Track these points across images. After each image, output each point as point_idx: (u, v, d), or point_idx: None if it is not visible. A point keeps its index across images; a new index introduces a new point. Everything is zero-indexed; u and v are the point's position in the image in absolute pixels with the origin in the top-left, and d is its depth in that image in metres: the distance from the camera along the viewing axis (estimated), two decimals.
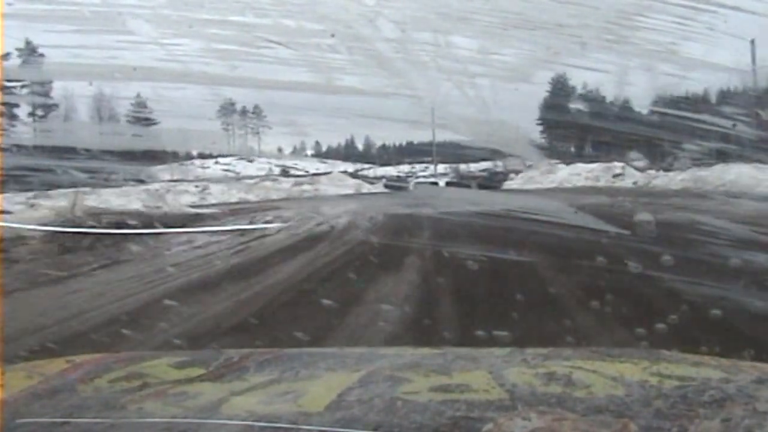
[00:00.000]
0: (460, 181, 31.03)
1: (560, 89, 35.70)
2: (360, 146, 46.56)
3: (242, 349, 1.28)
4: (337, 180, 30.69)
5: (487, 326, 3.78)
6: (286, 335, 4.07)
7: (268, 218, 14.60)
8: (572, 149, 39.53)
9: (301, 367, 1.10)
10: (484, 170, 34.37)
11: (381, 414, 0.84)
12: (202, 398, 0.96)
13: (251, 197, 25.23)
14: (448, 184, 30.14)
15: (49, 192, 16.33)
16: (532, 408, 0.83)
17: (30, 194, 16.13)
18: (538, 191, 24.84)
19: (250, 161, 38.56)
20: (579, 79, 36.18)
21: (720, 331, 3.82)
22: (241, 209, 18.73)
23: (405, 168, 39.19)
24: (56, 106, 31.71)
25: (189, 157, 37.35)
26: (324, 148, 45.14)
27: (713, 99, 31.80)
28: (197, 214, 16.24)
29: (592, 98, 34.23)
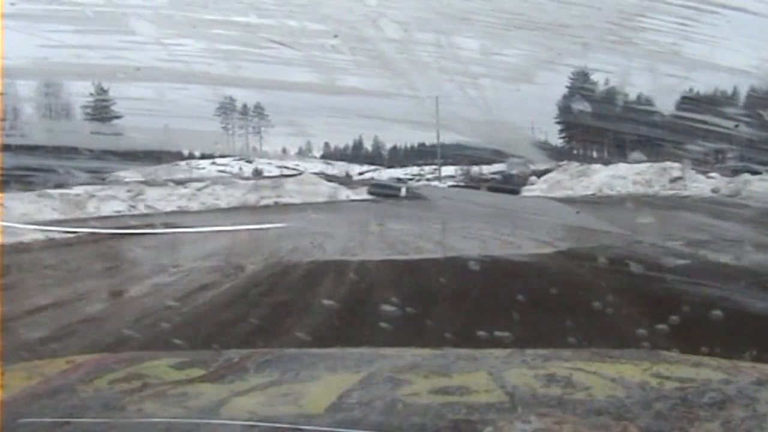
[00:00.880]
0: (468, 184, 27.34)
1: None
2: (369, 148, 44.41)
3: (242, 350, 1.28)
4: (307, 184, 25.35)
5: None
6: None
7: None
8: (607, 148, 33.29)
9: (301, 368, 1.10)
10: (497, 173, 29.42)
11: (381, 416, 0.84)
12: (203, 399, 0.96)
13: (193, 205, 22.03)
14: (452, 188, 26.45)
15: None
16: (532, 410, 0.83)
17: None
18: (571, 200, 18.79)
19: (249, 162, 37.12)
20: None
21: None
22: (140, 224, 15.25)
23: (414, 170, 35.38)
24: None
25: (182, 157, 34.99)
26: (332, 149, 43.16)
27: None
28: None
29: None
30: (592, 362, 1.09)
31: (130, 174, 24.35)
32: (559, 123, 35.12)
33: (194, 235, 12.47)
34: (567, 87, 30.35)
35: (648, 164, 22.37)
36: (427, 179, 31.93)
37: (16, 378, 1.16)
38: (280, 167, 33.15)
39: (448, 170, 33.54)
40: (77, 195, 20.03)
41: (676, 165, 21.27)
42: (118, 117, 28.84)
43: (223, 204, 22.22)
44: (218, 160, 36.21)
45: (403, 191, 24.88)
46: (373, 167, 39.25)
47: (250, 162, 36.23)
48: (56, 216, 17.23)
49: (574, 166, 25.44)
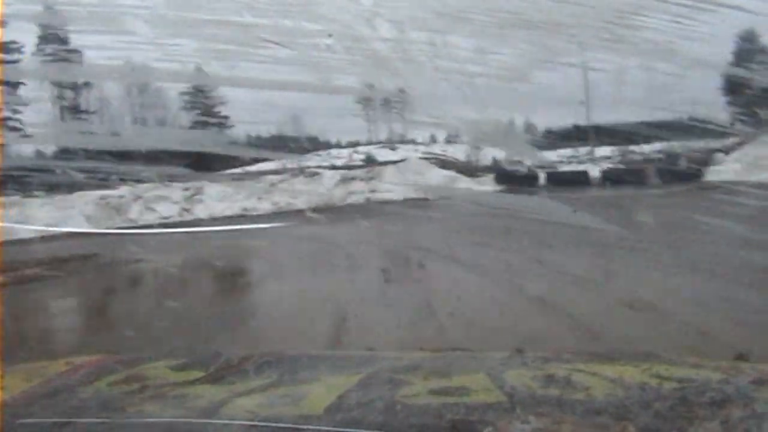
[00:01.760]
0: (628, 169, 20.31)
1: None
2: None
3: (242, 351, 1.28)
4: (412, 172, 19.61)
5: None
6: None
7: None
8: None
9: (300, 369, 1.10)
10: (660, 152, 22.22)
11: (380, 416, 0.84)
12: (202, 400, 0.96)
13: (263, 205, 18.31)
14: (605, 176, 19.99)
15: None
16: (531, 410, 0.84)
17: None
18: None
19: (393, 149, 30.80)
20: None
21: None
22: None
23: (567, 152, 26.40)
24: None
25: (328, 145, 31.93)
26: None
27: None
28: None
29: None
30: (591, 363, 1.09)
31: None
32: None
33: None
34: None
35: None
36: (579, 161, 24.74)
37: (16, 378, 1.16)
38: (425, 154, 26.11)
39: (602, 151, 26.26)
40: (121, 196, 18.44)
41: None
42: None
43: (300, 203, 18.32)
44: (361, 148, 31.58)
45: (542, 178, 20.01)
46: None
47: (393, 149, 30.40)
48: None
49: None
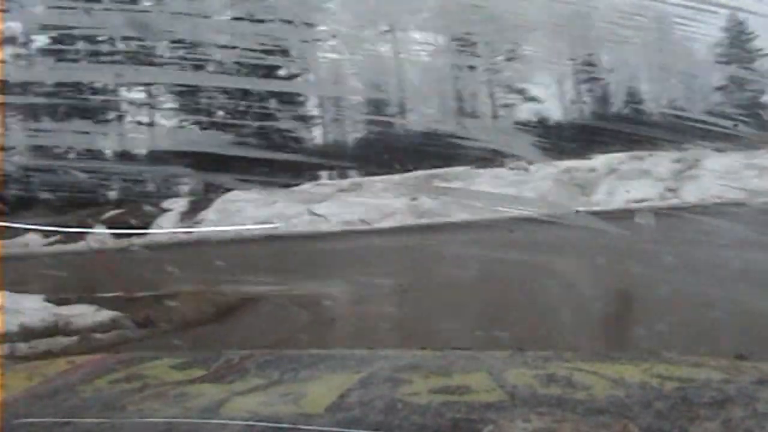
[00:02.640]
0: None
1: None
2: None
3: (243, 350, 1.28)
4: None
5: None
6: None
7: None
8: None
9: (301, 368, 1.10)
10: None
11: (381, 415, 0.84)
12: (203, 399, 0.96)
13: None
14: None
15: None
16: (533, 409, 0.84)
17: None
18: None
19: None
20: None
21: None
22: None
23: None
24: None
25: None
26: None
27: None
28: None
29: None
30: (592, 362, 1.09)
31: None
32: None
33: None
34: None
35: None
36: None
37: (17, 378, 1.16)
38: None
39: None
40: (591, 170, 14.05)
41: None
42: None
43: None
44: None
45: None
46: None
47: None
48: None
49: None
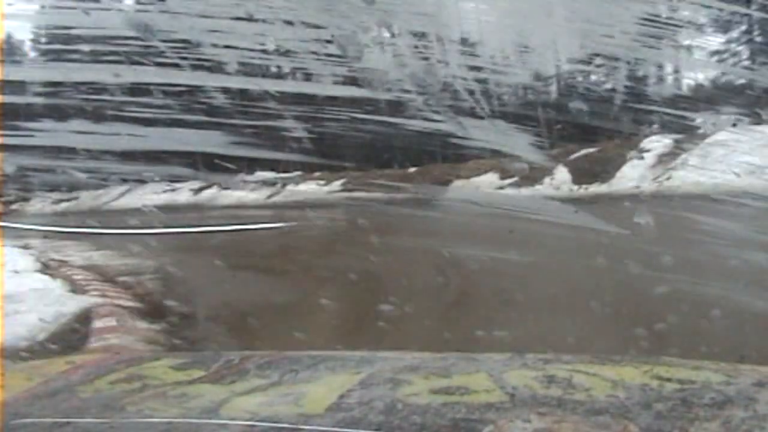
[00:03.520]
0: None
1: None
2: None
3: (243, 351, 1.28)
4: None
5: None
6: None
7: None
8: None
9: (301, 369, 1.10)
10: None
11: (381, 415, 0.84)
12: (203, 399, 0.96)
13: None
14: None
15: None
16: (533, 410, 0.84)
17: None
18: None
19: None
20: None
21: None
22: None
23: None
24: None
25: None
26: None
27: None
28: None
29: None
30: (592, 364, 1.09)
31: None
32: None
33: None
34: None
35: None
36: None
37: (17, 378, 1.16)
38: None
39: None
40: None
41: None
42: None
43: None
44: None
45: None
46: None
47: None
48: None
49: None
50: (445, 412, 0.84)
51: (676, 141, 16.93)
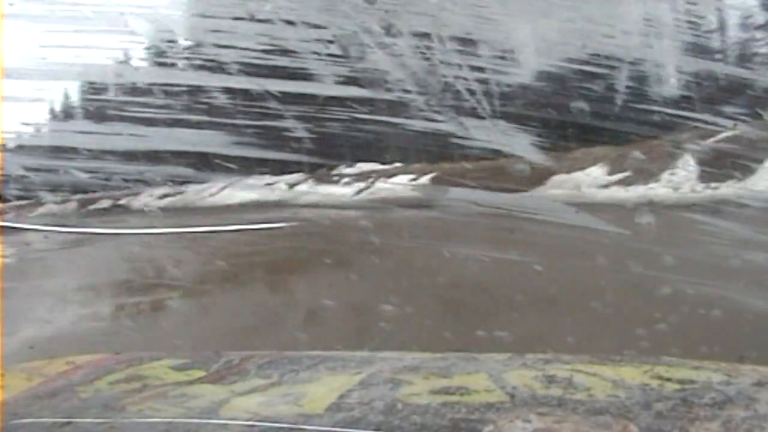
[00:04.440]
0: None
1: None
2: None
3: (243, 351, 1.28)
4: None
5: None
6: None
7: None
8: None
9: (301, 369, 1.10)
10: None
11: (381, 416, 0.84)
12: (203, 400, 0.96)
13: None
14: None
15: None
16: (533, 410, 0.84)
17: None
18: None
19: None
20: None
21: None
22: None
23: None
24: None
25: None
26: None
27: None
28: None
29: None
30: (592, 364, 1.09)
31: None
32: None
33: None
34: None
35: None
36: None
37: (17, 378, 1.16)
38: None
39: None
40: None
41: None
42: None
43: None
44: None
45: None
46: None
47: None
48: None
49: None
50: (445, 412, 0.84)
51: None
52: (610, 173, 14.95)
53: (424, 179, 18.26)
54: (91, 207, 24.85)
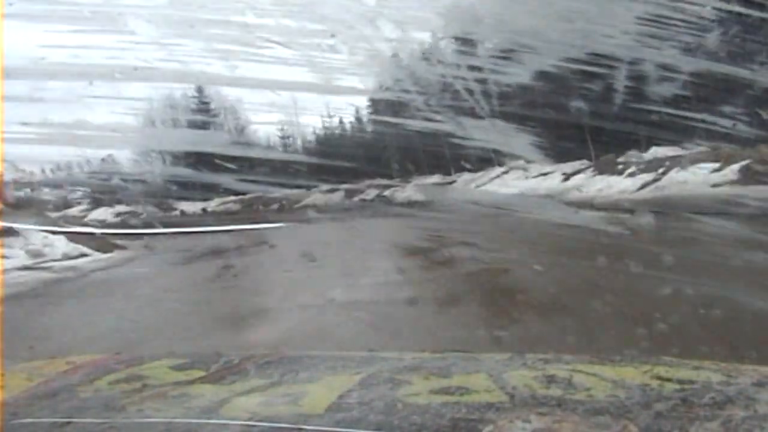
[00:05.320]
0: None
1: None
2: None
3: (242, 352, 1.28)
4: None
5: None
6: None
7: None
8: None
9: (301, 369, 1.10)
10: None
11: (381, 416, 0.84)
12: (202, 400, 0.96)
13: None
14: None
15: None
16: (532, 410, 0.84)
17: None
18: None
19: None
20: None
21: None
22: None
23: None
24: None
25: None
26: None
27: None
28: None
29: None
30: (592, 364, 1.09)
31: None
32: None
33: None
34: None
35: None
36: None
37: (17, 379, 1.16)
38: None
39: None
40: None
41: None
42: None
43: None
44: None
45: None
46: None
47: None
48: None
49: None
50: (445, 412, 0.84)
51: None
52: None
53: (729, 170, 13.81)
54: (356, 198, 24.46)
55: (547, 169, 20.20)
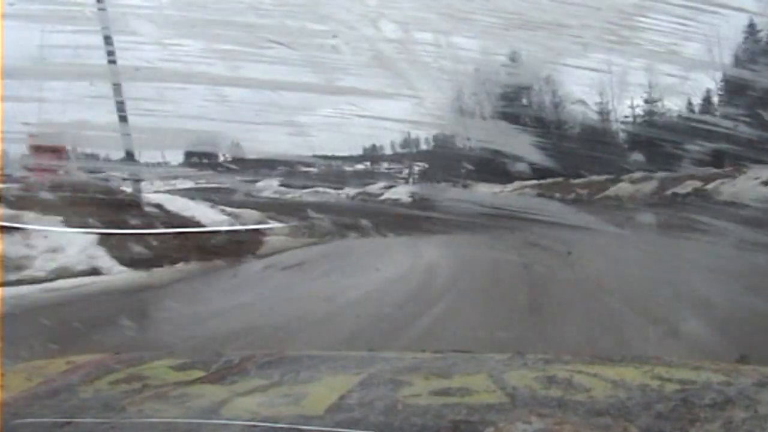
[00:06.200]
0: None
1: None
2: None
3: (243, 352, 1.28)
4: None
5: None
6: None
7: None
8: None
9: (301, 369, 1.10)
10: None
11: (381, 416, 0.84)
12: (203, 400, 0.96)
13: None
14: None
15: None
16: (533, 411, 0.83)
17: None
18: None
19: None
20: None
21: None
22: None
23: None
24: None
25: None
26: None
27: None
28: None
29: None
30: (592, 365, 1.09)
31: None
32: None
33: None
34: None
35: None
36: None
37: (17, 378, 1.16)
38: None
39: None
40: None
41: None
42: None
43: None
44: None
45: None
46: None
47: None
48: None
49: None
50: (446, 413, 0.84)
51: None
52: None
53: None
54: (668, 191, 18.77)
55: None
